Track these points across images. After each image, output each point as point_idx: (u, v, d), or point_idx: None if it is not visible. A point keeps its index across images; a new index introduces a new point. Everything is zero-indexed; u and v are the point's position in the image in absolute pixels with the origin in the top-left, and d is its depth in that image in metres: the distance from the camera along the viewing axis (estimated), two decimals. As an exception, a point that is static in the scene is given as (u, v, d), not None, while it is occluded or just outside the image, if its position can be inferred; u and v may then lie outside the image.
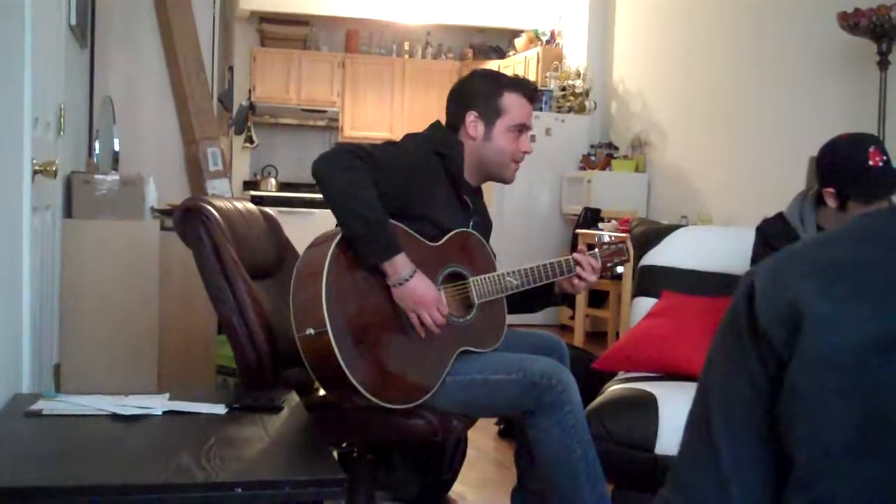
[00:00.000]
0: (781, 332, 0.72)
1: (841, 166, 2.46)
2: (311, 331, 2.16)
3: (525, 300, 2.53)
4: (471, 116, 2.43)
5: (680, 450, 0.82)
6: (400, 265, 2.20)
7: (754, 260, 2.68)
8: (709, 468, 0.77)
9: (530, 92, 2.49)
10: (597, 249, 2.51)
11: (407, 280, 2.20)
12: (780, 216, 2.66)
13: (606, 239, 2.57)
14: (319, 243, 2.29)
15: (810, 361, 0.70)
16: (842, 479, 0.68)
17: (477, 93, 2.45)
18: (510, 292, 2.43)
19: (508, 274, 2.42)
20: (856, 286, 0.71)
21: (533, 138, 6.87)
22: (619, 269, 2.58)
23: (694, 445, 0.80)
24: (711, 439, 0.77)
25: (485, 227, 2.54)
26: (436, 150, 2.39)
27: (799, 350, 0.71)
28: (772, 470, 0.75)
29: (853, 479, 0.68)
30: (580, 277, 2.44)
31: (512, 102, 2.44)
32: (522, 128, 2.46)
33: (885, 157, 2.40)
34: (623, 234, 4.09)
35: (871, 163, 2.39)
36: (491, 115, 2.43)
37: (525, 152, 2.46)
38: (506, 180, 2.53)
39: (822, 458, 0.69)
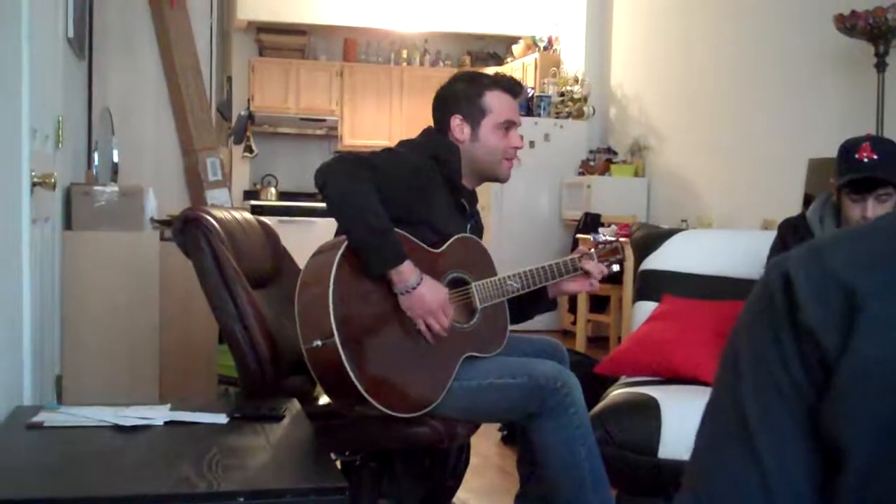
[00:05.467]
0: (831, 325, 0.65)
1: (837, 159, 2.52)
2: (319, 342, 2.13)
3: (517, 308, 2.53)
4: (455, 120, 2.43)
5: (700, 454, 0.74)
6: (407, 273, 2.19)
7: (771, 256, 2.69)
8: (745, 466, 0.70)
9: (512, 87, 2.47)
10: (592, 249, 2.52)
11: (414, 287, 2.20)
12: (801, 216, 2.70)
13: (601, 238, 2.57)
14: (324, 252, 2.26)
15: (863, 361, 0.64)
16: (890, 488, 0.63)
17: (458, 95, 2.45)
18: (511, 295, 2.43)
19: (509, 277, 2.42)
20: None
21: (530, 143, 6.89)
22: (615, 268, 2.57)
23: (722, 451, 0.72)
24: (748, 440, 0.69)
25: (479, 229, 2.56)
26: (432, 155, 2.39)
27: (850, 348, 0.64)
28: (816, 468, 0.69)
29: None
30: (587, 275, 2.47)
31: (495, 100, 2.43)
32: (509, 124, 2.45)
33: (874, 156, 2.42)
34: (624, 239, 4.09)
35: (857, 156, 2.43)
36: (475, 115, 2.43)
37: (516, 147, 2.46)
38: (500, 179, 2.52)
39: (870, 464, 0.64)
